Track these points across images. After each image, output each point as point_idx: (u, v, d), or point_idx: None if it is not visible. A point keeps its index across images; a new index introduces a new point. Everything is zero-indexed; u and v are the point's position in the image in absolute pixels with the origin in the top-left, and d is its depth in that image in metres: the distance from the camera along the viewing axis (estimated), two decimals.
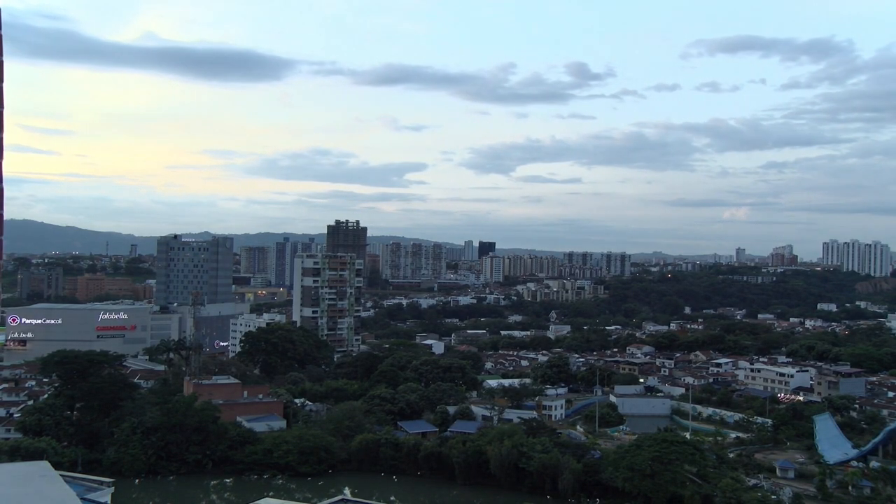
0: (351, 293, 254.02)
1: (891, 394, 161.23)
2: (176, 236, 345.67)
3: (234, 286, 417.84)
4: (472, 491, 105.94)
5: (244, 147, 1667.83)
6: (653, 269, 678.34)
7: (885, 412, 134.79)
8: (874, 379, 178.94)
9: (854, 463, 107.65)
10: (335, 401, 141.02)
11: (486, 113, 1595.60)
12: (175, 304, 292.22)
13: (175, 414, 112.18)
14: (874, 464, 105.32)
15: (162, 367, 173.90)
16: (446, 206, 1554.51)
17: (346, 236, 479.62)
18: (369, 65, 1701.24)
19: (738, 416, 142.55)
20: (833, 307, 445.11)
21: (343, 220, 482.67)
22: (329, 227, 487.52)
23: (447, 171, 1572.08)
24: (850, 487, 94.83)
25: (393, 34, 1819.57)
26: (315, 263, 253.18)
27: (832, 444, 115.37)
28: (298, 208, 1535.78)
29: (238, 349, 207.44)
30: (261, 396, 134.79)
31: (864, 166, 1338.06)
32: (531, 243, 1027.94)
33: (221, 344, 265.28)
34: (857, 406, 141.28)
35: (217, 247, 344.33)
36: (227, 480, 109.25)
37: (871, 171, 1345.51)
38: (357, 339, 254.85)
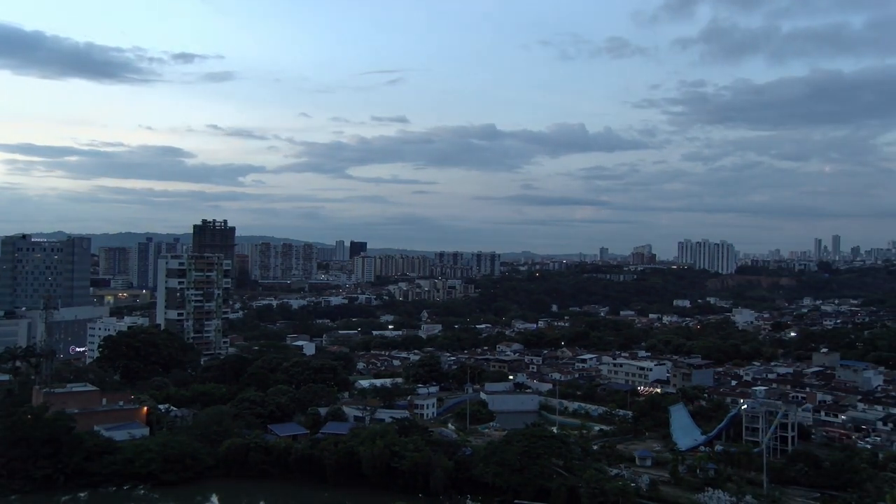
0: (218, 294, 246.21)
1: (734, 382, 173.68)
2: (24, 236, 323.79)
3: (92, 288, 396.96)
4: (344, 493, 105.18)
5: (61, 142, 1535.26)
6: (521, 269, 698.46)
7: (728, 399, 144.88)
8: (721, 369, 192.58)
9: (702, 448, 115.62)
10: (202, 405, 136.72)
11: (308, 115, 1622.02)
12: (23, 309, 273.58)
13: (21, 427, 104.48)
14: (718, 447, 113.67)
15: (7, 378, 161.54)
16: (298, 206, 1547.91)
17: (213, 236, 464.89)
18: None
19: (601, 409, 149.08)
20: (687, 303, 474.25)
21: (210, 219, 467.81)
22: (195, 226, 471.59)
23: (288, 173, 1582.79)
24: (697, 471, 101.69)
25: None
26: (180, 264, 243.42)
27: (685, 431, 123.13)
28: (144, 208, 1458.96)
29: (97, 354, 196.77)
30: (121, 403, 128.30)
31: (687, 169, 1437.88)
32: (397, 242, 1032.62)
33: (78, 349, 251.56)
34: (706, 395, 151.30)
35: (73, 247, 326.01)
36: (81, 494, 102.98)
37: (693, 173, 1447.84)
38: (225, 342, 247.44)
